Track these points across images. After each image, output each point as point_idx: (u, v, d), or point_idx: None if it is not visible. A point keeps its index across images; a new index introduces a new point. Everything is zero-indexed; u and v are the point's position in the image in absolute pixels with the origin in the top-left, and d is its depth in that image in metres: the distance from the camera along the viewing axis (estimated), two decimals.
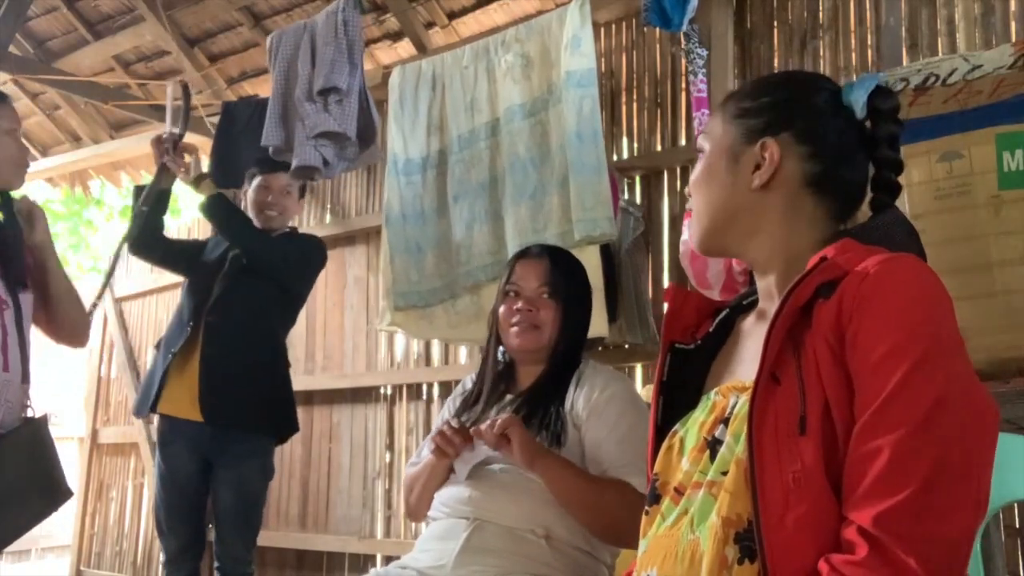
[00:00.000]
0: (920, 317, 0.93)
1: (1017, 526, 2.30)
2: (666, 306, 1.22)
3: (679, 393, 1.16)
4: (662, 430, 1.15)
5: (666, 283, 2.99)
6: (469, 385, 1.97)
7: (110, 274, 3.33)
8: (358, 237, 4.01)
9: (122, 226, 2.97)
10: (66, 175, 5.15)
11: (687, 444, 1.08)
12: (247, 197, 3.00)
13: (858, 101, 1.11)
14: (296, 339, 4.11)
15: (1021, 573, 2.27)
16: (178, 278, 3.20)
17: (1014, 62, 1.66)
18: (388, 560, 1.82)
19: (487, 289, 2.81)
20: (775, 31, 2.89)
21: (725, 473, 0.98)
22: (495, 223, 2.80)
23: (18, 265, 2.04)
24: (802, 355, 0.97)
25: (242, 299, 2.85)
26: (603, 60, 3.22)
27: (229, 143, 3.61)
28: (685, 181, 2.98)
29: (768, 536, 0.91)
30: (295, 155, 3.00)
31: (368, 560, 3.72)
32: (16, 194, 2.12)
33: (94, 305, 2.76)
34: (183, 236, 4.61)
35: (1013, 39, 2.35)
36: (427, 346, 3.74)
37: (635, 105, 3.20)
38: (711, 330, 1.19)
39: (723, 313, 1.20)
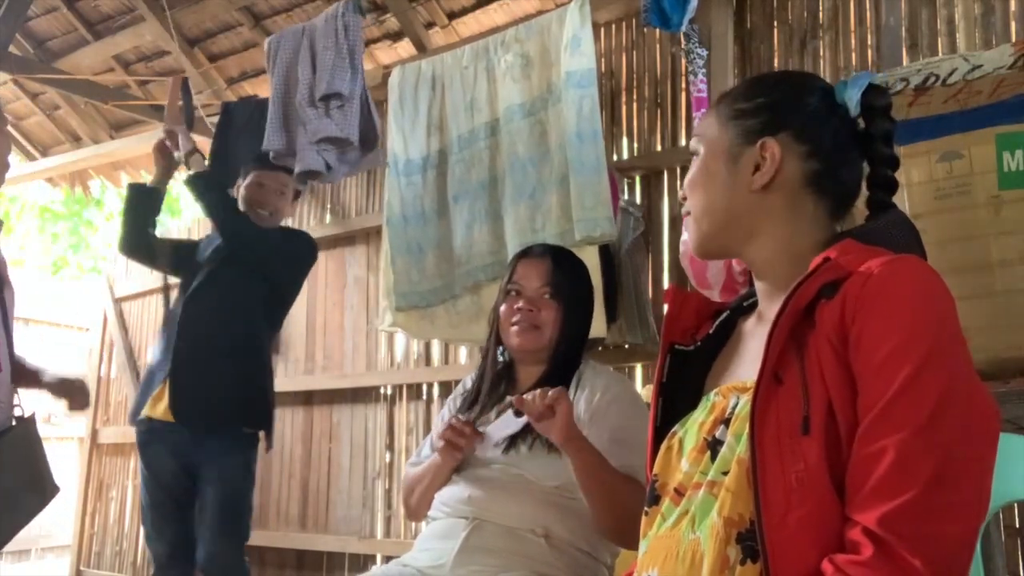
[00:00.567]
0: (923, 318, 0.93)
1: (1017, 526, 2.30)
2: (666, 307, 1.22)
3: (679, 394, 1.16)
4: (661, 431, 1.15)
5: (666, 283, 2.99)
6: (470, 385, 1.96)
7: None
8: (358, 237, 4.01)
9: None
10: (66, 175, 5.15)
11: (686, 445, 1.08)
12: (239, 193, 2.95)
13: (852, 99, 1.11)
14: (296, 339, 4.11)
15: (1021, 573, 2.27)
16: (178, 279, 3.15)
17: (1014, 62, 1.66)
18: (388, 560, 1.82)
19: (487, 289, 2.81)
20: (775, 31, 2.89)
21: (726, 473, 0.98)
22: (495, 223, 2.80)
23: None
24: (805, 356, 0.97)
25: (220, 291, 2.78)
26: (603, 60, 3.22)
27: (229, 143, 3.61)
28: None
29: (770, 536, 0.91)
30: (298, 160, 3.00)
31: (368, 560, 3.72)
32: None
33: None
34: (183, 236, 4.60)
35: (1013, 39, 2.35)
36: (427, 346, 3.74)
37: (635, 105, 3.20)
38: (711, 332, 1.19)
39: (723, 315, 1.20)
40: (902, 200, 1.69)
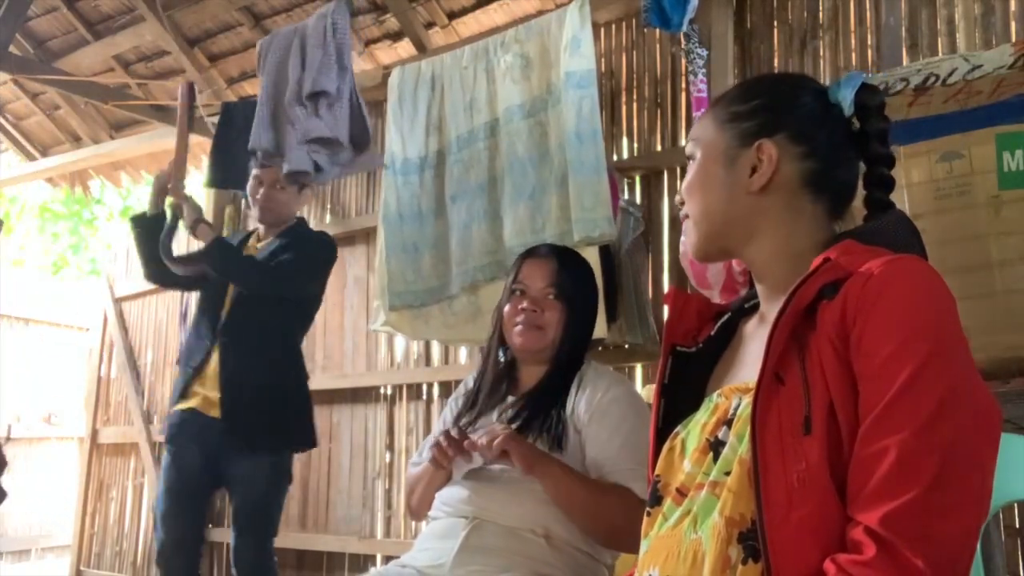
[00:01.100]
0: (925, 318, 0.93)
1: (1017, 526, 2.30)
2: (667, 310, 1.22)
3: (680, 396, 1.16)
4: (663, 432, 1.15)
5: (666, 283, 2.99)
6: (471, 384, 1.96)
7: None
8: (358, 237, 4.01)
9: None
10: (66, 175, 5.15)
11: (689, 446, 1.08)
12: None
13: (846, 99, 1.12)
14: None
15: (1021, 573, 2.27)
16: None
17: (1014, 62, 1.66)
18: (388, 560, 1.82)
19: (485, 289, 2.81)
20: (775, 31, 2.89)
21: (728, 473, 0.98)
22: (493, 223, 2.80)
23: None
24: (806, 356, 0.97)
25: (255, 317, 2.82)
26: (603, 60, 3.22)
27: (229, 143, 3.61)
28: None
29: (772, 536, 0.91)
30: (286, 160, 3.00)
31: (368, 560, 3.72)
32: None
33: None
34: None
35: (1013, 39, 2.35)
36: (427, 346, 3.74)
37: (635, 105, 3.20)
38: (712, 333, 1.19)
39: (724, 316, 1.20)
40: (902, 200, 1.69)
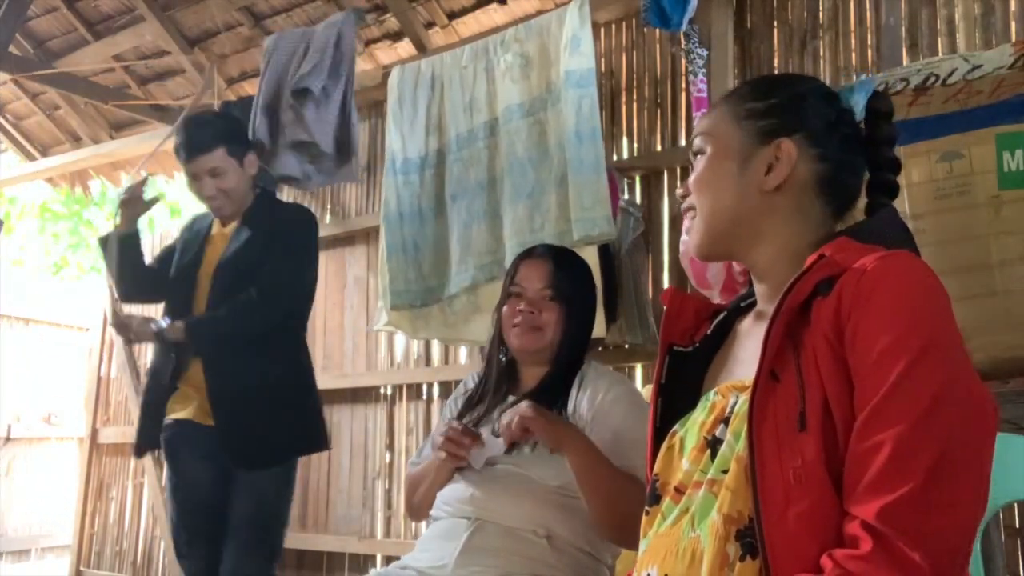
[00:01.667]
0: (919, 313, 0.94)
1: (1017, 526, 2.30)
2: (664, 308, 1.22)
3: (678, 395, 1.17)
4: (661, 431, 1.16)
5: (666, 283, 2.99)
6: (471, 384, 1.96)
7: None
8: (358, 237, 4.01)
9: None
10: (66, 175, 5.15)
11: (687, 444, 1.08)
12: None
13: (858, 104, 1.13)
14: None
15: (1021, 573, 2.27)
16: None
17: (1014, 62, 1.66)
18: (388, 560, 1.83)
19: (484, 289, 2.81)
20: (775, 31, 2.89)
21: (726, 471, 0.99)
22: (493, 223, 2.80)
23: None
24: (801, 353, 0.97)
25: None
26: (603, 60, 3.22)
27: None
28: (685, 181, 2.98)
29: (769, 532, 0.91)
30: (278, 163, 3.02)
31: (368, 560, 3.72)
32: None
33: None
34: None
35: (1013, 39, 2.35)
36: (427, 346, 3.74)
37: (635, 105, 3.20)
38: (709, 332, 1.19)
39: (721, 315, 1.20)
40: (902, 200, 1.69)
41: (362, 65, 3.82)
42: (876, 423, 0.90)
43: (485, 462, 1.71)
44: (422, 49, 3.66)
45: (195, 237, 2.70)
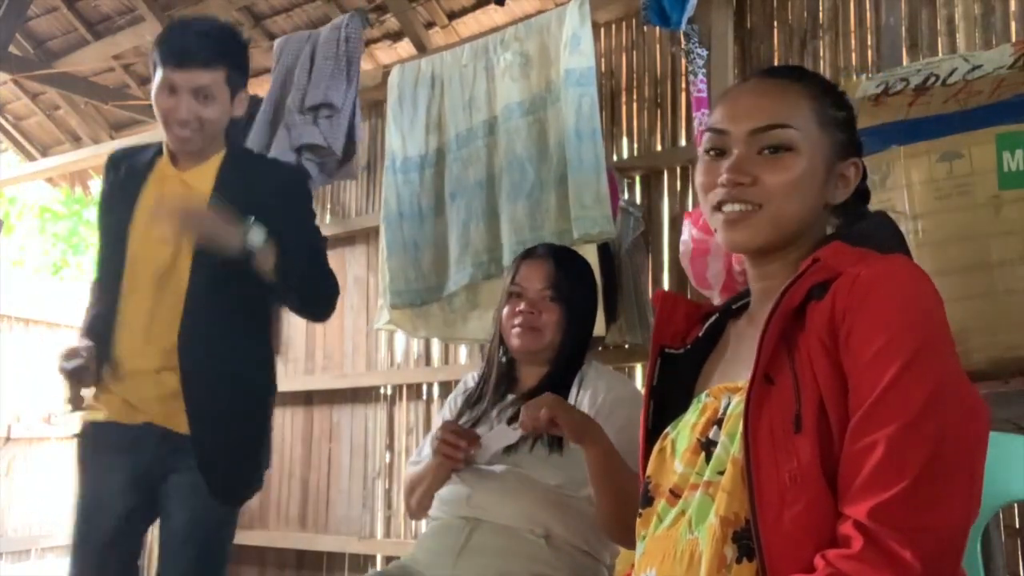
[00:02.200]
0: (913, 316, 0.94)
1: (1017, 526, 2.29)
2: (655, 311, 1.22)
3: (670, 397, 1.17)
4: (653, 433, 1.15)
5: (666, 283, 2.99)
6: (470, 383, 1.96)
7: None
8: (358, 237, 4.01)
9: None
10: (66, 175, 5.15)
11: (679, 446, 1.08)
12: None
13: None
14: (296, 339, 4.11)
15: (1021, 573, 2.27)
16: None
17: (1014, 62, 1.66)
18: (388, 560, 1.82)
19: (483, 287, 2.81)
20: (775, 31, 2.89)
21: (721, 473, 0.99)
22: (492, 221, 2.81)
23: None
24: (795, 356, 0.98)
25: (218, 291, 1.91)
26: (603, 60, 3.21)
27: (229, 143, 3.61)
28: (685, 181, 2.98)
29: (766, 534, 0.91)
30: None
31: (368, 560, 3.72)
32: None
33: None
34: None
35: (1013, 39, 2.35)
36: (427, 346, 3.74)
37: (635, 105, 3.20)
38: (700, 335, 1.19)
39: (712, 318, 1.20)
40: (902, 200, 1.69)
41: (362, 65, 3.82)
42: (869, 424, 0.90)
43: (492, 455, 1.69)
44: (422, 49, 3.66)
45: (132, 179, 2.02)
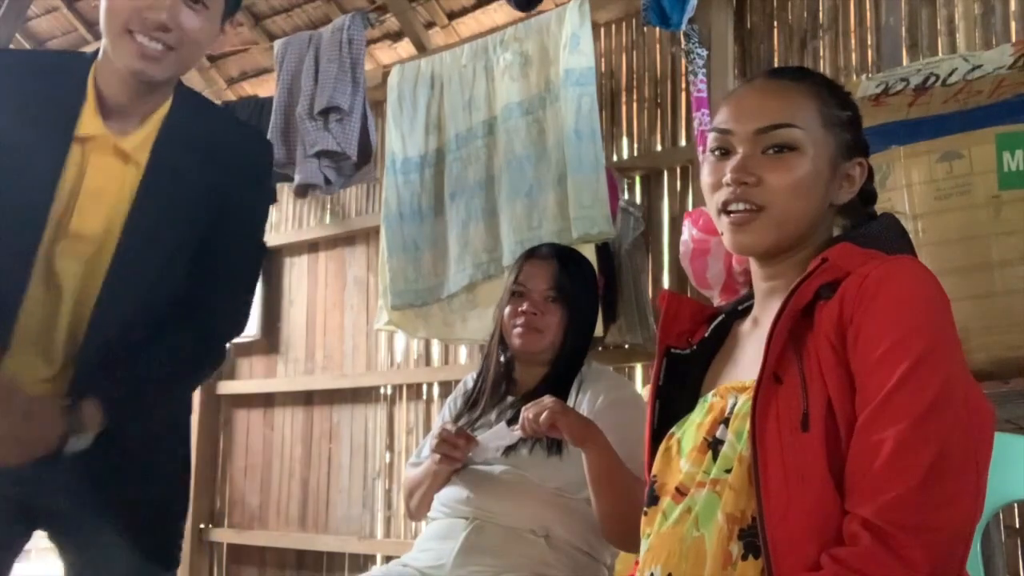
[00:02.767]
0: (920, 317, 0.95)
1: (1017, 526, 2.30)
2: (661, 311, 1.22)
3: (675, 397, 1.17)
4: (658, 433, 1.16)
5: (666, 283, 2.99)
6: (470, 384, 1.96)
7: None
8: (358, 237, 4.01)
9: None
10: None
11: (684, 446, 1.08)
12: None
13: None
14: (296, 339, 4.12)
15: (1021, 573, 2.27)
16: None
17: (1014, 62, 1.66)
18: (388, 560, 1.83)
19: (483, 287, 2.81)
20: (775, 31, 2.89)
21: (728, 471, 0.99)
22: (491, 221, 2.81)
23: None
24: (804, 355, 0.98)
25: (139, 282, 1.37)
26: (603, 60, 3.22)
27: None
28: (685, 181, 2.98)
29: (772, 532, 0.92)
30: (298, 171, 3.03)
31: (368, 560, 3.72)
32: None
33: None
34: None
35: (1013, 39, 2.35)
36: (427, 346, 3.74)
37: (635, 105, 3.20)
38: (706, 335, 1.19)
39: (718, 318, 1.21)
40: (902, 200, 1.69)
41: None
42: (877, 423, 0.90)
43: (490, 455, 1.69)
44: (422, 49, 3.66)
45: (46, 130, 1.33)
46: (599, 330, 2.59)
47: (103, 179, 1.34)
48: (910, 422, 0.88)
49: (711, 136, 1.13)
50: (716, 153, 1.11)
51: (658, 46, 3.14)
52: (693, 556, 0.99)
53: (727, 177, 1.07)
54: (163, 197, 1.36)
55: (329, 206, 4.18)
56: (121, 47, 1.31)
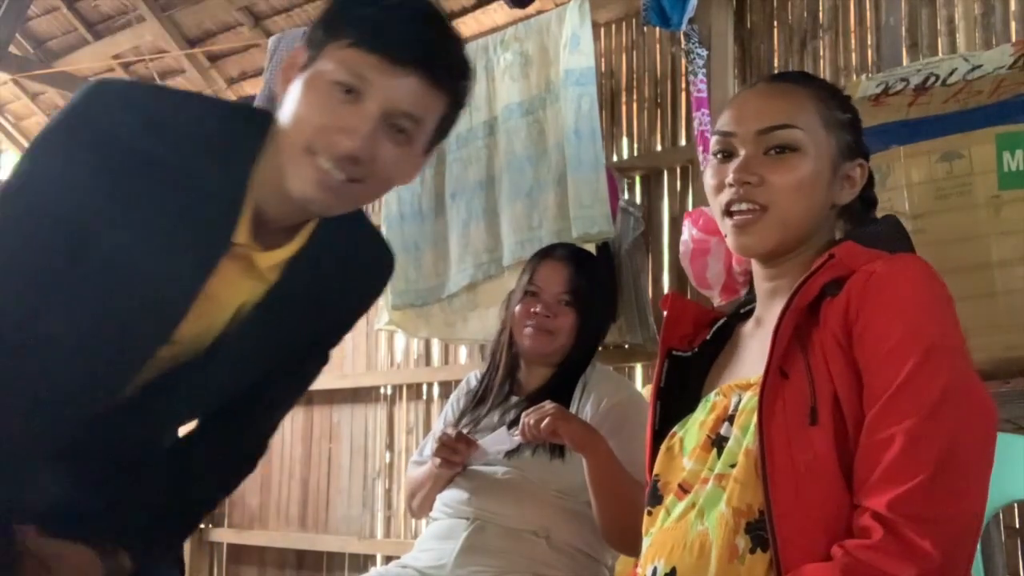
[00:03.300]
0: (926, 314, 0.96)
1: (1017, 526, 2.30)
2: (664, 313, 1.23)
3: (676, 399, 1.18)
4: (660, 435, 1.16)
5: (666, 283, 2.99)
6: (473, 383, 1.95)
7: None
8: None
9: None
10: None
11: (687, 445, 1.09)
12: None
13: None
14: None
15: (1021, 573, 2.27)
16: None
17: (1014, 62, 1.66)
18: (388, 560, 1.83)
19: (483, 287, 2.82)
20: (775, 31, 2.89)
21: (733, 466, 1.00)
22: (491, 221, 2.81)
23: None
24: (809, 352, 0.99)
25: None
26: (603, 60, 3.22)
27: None
28: (685, 181, 2.98)
29: (780, 525, 0.92)
30: None
31: (368, 560, 3.72)
32: None
33: None
34: None
35: (1013, 39, 2.35)
36: (427, 346, 3.74)
37: (635, 105, 3.20)
38: (708, 338, 1.20)
39: (720, 321, 1.21)
40: (902, 200, 1.69)
41: None
42: (887, 418, 0.91)
43: (467, 473, 1.70)
44: None
45: (204, 238, 1.11)
46: None
47: (227, 292, 1.14)
48: (919, 417, 0.89)
49: (714, 139, 1.14)
50: (719, 156, 1.12)
51: (658, 46, 3.14)
52: (697, 549, 0.99)
53: (730, 178, 1.08)
54: (273, 322, 1.19)
55: None
56: (297, 167, 1.06)
